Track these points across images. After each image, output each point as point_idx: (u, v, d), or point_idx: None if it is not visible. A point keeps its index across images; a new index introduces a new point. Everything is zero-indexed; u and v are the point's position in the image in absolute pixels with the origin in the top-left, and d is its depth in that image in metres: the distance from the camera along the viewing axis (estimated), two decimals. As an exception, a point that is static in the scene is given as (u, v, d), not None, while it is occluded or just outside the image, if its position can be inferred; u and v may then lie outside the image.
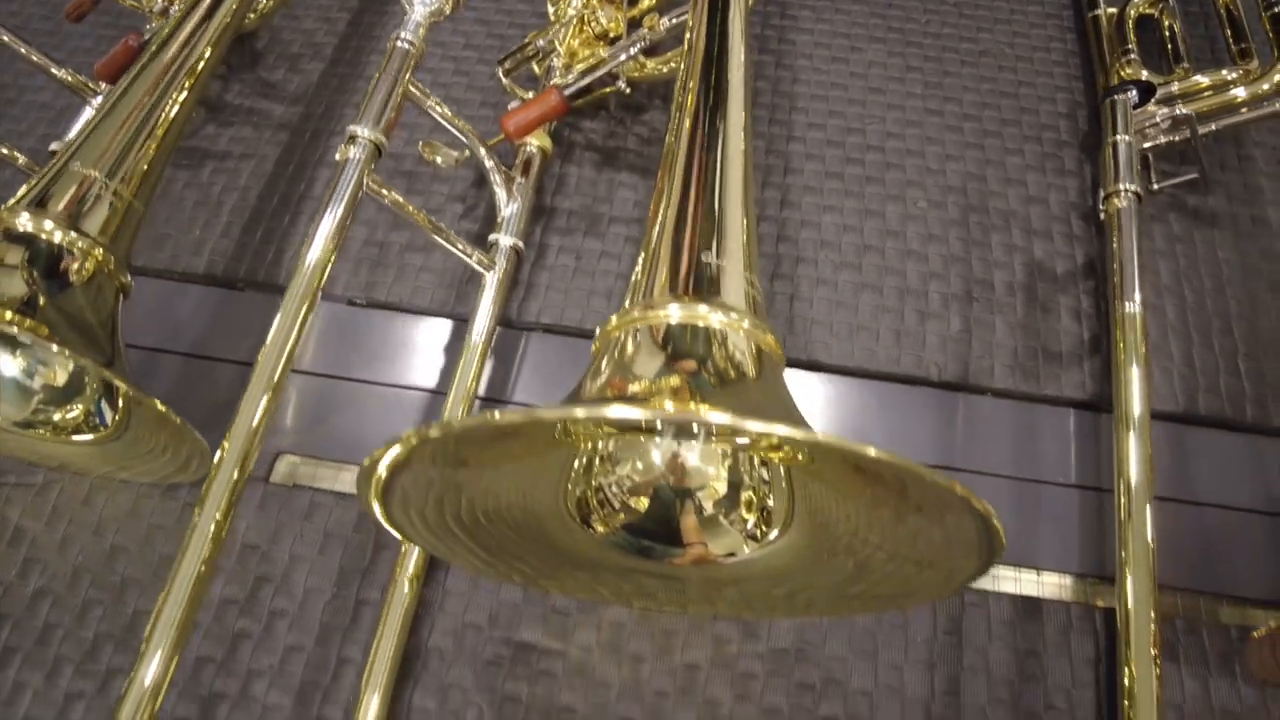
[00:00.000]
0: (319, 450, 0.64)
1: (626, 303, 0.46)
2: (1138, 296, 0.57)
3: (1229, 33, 0.75)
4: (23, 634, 0.57)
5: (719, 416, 0.35)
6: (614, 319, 0.46)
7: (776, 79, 0.81)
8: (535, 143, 0.70)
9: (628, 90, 0.69)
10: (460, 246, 0.63)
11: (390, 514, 0.45)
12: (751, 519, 0.51)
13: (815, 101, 0.79)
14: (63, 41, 0.84)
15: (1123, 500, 0.54)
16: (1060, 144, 0.77)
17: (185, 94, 0.61)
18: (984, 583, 0.59)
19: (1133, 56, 0.75)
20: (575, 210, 0.73)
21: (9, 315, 0.48)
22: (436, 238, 0.62)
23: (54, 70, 0.71)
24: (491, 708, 0.55)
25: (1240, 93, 0.69)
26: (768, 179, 0.75)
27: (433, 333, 0.68)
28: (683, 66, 0.59)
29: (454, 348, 0.67)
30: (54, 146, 0.70)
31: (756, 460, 0.49)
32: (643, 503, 0.52)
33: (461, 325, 0.68)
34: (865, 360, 0.66)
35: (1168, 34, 0.77)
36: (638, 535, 0.54)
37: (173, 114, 0.60)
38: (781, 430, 0.35)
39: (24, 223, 0.51)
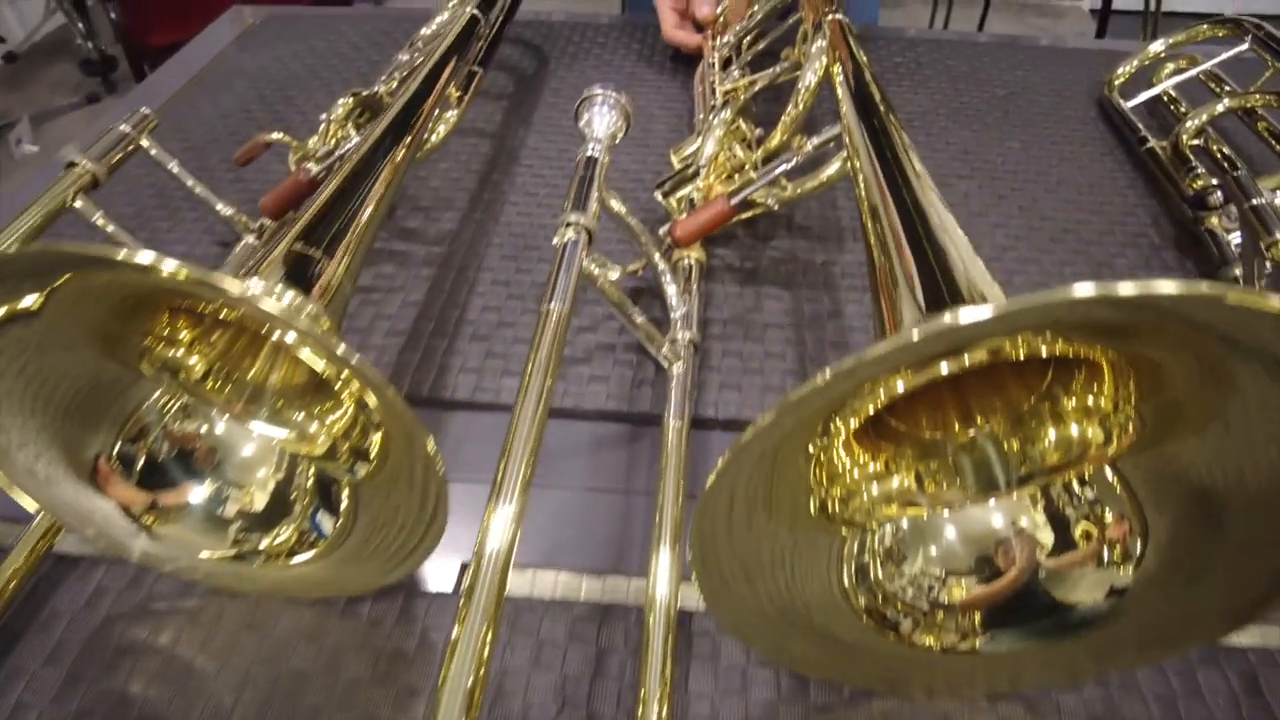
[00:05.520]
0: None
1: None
2: None
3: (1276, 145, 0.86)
4: (187, 784, 0.47)
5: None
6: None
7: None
8: (692, 255, 0.73)
9: (777, 207, 0.74)
10: (650, 336, 0.63)
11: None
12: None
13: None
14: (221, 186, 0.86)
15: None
16: (1154, 247, 0.84)
17: (383, 193, 0.63)
18: None
19: (1199, 172, 0.84)
20: (729, 319, 0.74)
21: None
22: (624, 320, 0.62)
23: (217, 206, 0.72)
24: (773, 821, 0.46)
25: (1312, 184, 0.78)
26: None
27: (614, 434, 0.66)
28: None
29: (636, 447, 0.65)
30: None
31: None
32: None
33: (640, 427, 0.66)
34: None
35: (1219, 155, 0.87)
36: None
37: (367, 215, 0.61)
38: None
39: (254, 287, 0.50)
